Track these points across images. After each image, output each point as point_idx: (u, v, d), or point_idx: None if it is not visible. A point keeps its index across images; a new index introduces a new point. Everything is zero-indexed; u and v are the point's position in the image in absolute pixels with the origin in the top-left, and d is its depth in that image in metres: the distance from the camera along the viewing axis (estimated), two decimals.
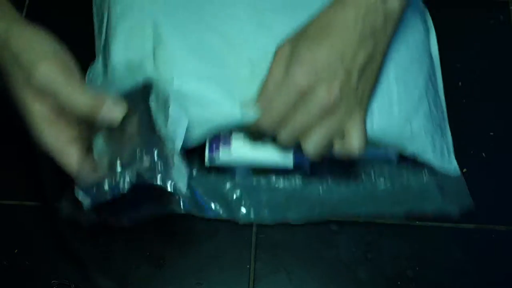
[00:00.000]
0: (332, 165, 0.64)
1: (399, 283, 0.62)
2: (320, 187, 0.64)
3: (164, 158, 0.50)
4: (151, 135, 0.51)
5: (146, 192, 0.60)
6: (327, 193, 0.64)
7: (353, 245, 0.63)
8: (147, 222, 0.62)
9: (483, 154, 0.68)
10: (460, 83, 0.72)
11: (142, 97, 0.54)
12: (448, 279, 0.62)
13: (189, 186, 0.57)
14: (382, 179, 0.64)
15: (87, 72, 0.64)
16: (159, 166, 0.50)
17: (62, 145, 0.51)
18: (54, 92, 0.49)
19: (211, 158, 0.60)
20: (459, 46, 0.74)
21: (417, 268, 0.63)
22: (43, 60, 0.50)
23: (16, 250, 0.63)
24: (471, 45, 0.75)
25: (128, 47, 0.59)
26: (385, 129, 0.58)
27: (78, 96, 0.50)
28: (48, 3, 0.75)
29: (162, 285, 0.62)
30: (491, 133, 0.70)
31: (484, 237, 0.62)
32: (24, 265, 0.62)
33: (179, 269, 0.62)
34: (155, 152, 0.50)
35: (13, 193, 0.65)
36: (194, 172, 0.64)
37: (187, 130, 0.55)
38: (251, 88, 0.56)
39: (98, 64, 0.63)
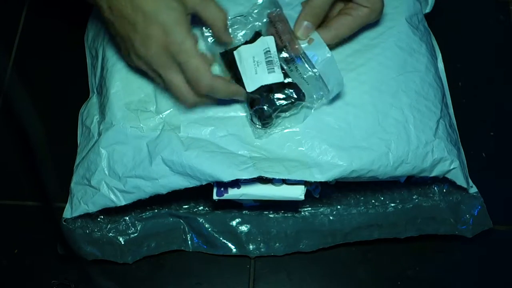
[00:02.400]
0: (341, 192, 0.64)
1: (399, 283, 0.62)
2: (331, 217, 0.64)
3: None
4: None
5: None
6: (339, 222, 0.63)
7: (353, 245, 0.63)
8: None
9: (483, 154, 0.68)
10: (460, 83, 0.72)
11: None
12: (448, 279, 0.62)
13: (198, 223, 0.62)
14: (393, 202, 0.64)
15: (81, 109, 0.64)
16: None
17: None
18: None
19: (219, 192, 0.58)
20: (459, 46, 0.74)
21: (417, 268, 0.63)
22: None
23: (16, 250, 0.63)
24: (471, 45, 0.75)
25: (126, 89, 0.59)
26: (403, 158, 0.57)
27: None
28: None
29: (162, 285, 0.62)
30: (491, 133, 0.70)
31: (484, 237, 0.62)
32: (24, 265, 0.62)
33: (179, 269, 0.62)
34: None
35: (13, 193, 0.65)
36: (202, 208, 0.64)
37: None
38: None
39: (92, 101, 0.63)
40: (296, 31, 0.56)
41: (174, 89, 0.53)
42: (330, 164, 0.55)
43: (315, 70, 0.56)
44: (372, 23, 0.59)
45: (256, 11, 0.58)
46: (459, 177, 0.59)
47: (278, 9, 0.57)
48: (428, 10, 0.69)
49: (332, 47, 0.58)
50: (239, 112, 0.58)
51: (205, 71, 0.52)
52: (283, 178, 0.55)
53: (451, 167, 0.59)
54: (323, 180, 0.55)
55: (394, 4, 0.63)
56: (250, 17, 0.58)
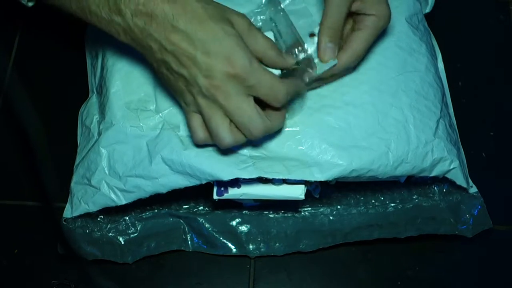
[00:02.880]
0: (340, 192, 0.64)
1: (399, 283, 0.62)
2: (331, 217, 0.64)
3: None
4: None
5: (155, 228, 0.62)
6: (339, 222, 0.63)
7: (353, 245, 0.63)
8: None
9: (483, 154, 0.68)
10: (460, 83, 0.72)
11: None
12: (448, 279, 0.62)
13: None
14: (393, 202, 0.64)
15: (81, 109, 0.64)
16: None
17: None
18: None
19: (219, 191, 0.58)
20: (459, 46, 0.74)
21: (417, 268, 0.63)
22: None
23: (16, 250, 0.63)
24: (471, 45, 0.75)
25: (126, 89, 0.59)
26: (403, 158, 0.57)
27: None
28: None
29: (162, 285, 0.62)
30: (491, 133, 0.70)
31: (484, 237, 0.62)
32: (24, 265, 0.62)
33: (179, 269, 0.62)
34: None
35: (13, 193, 0.65)
36: (202, 208, 0.64)
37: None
38: None
39: (92, 101, 0.63)
40: (322, 57, 0.55)
41: (246, 117, 0.50)
42: (330, 164, 0.56)
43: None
44: None
45: (257, 10, 0.58)
46: (459, 177, 0.59)
47: (278, 7, 0.57)
48: (428, 10, 0.69)
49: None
50: None
51: (279, 83, 0.50)
52: (283, 178, 0.55)
53: (451, 167, 0.59)
54: (323, 179, 0.55)
55: (394, 4, 0.63)
56: (253, 16, 0.57)
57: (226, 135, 0.50)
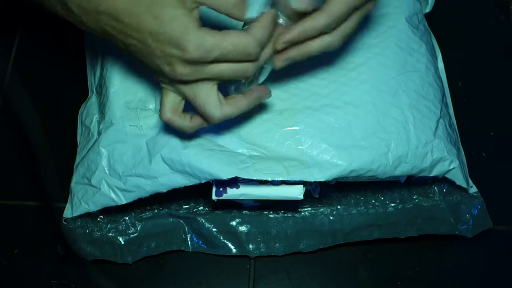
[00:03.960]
0: (340, 192, 0.64)
1: (399, 283, 0.62)
2: (331, 217, 0.64)
3: None
4: None
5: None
6: (339, 222, 0.63)
7: (353, 245, 0.63)
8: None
9: (483, 154, 0.68)
10: (460, 83, 0.72)
11: None
12: (448, 279, 0.62)
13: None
14: (393, 202, 0.64)
15: (81, 109, 0.64)
16: None
17: None
18: None
19: (218, 192, 0.58)
20: (459, 46, 0.74)
21: (417, 268, 0.63)
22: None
23: (16, 250, 0.63)
24: (471, 45, 0.75)
25: (126, 88, 0.59)
26: (403, 158, 0.57)
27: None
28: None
29: (162, 285, 0.62)
30: (491, 133, 0.70)
31: (484, 237, 0.62)
32: (24, 265, 0.62)
33: (179, 269, 0.62)
34: None
35: (13, 193, 0.65)
36: (202, 208, 0.64)
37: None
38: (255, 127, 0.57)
39: (92, 101, 0.63)
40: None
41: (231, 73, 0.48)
42: (330, 164, 0.56)
43: None
44: (372, 23, 0.59)
45: None
46: (458, 177, 0.59)
47: None
48: (428, 10, 0.69)
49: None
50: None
51: (244, 36, 0.46)
52: (283, 179, 0.55)
53: (451, 167, 0.59)
54: (322, 179, 0.55)
55: (394, 4, 0.63)
56: None
57: (215, 109, 0.49)
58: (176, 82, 0.48)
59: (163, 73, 0.48)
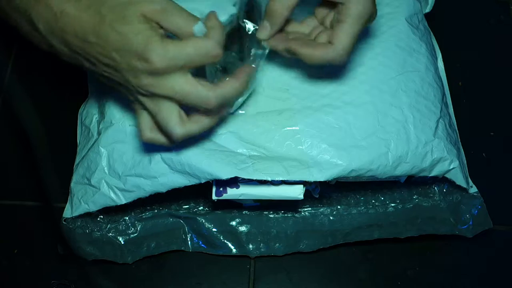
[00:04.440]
0: (340, 192, 0.64)
1: (399, 283, 0.62)
2: (331, 217, 0.64)
3: None
4: None
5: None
6: (339, 222, 0.63)
7: (353, 245, 0.63)
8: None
9: (483, 154, 0.68)
10: (460, 83, 0.72)
11: None
12: (448, 279, 0.62)
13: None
14: (393, 202, 0.64)
15: (81, 109, 0.64)
16: None
17: None
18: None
19: (218, 192, 0.58)
20: (459, 46, 0.74)
21: (417, 268, 0.63)
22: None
23: (16, 250, 0.63)
24: (471, 45, 0.75)
25: None
26: (403, 158, 0.57)
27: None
28: None
29: (162, 285, 0.62)
30: (491, 133, 0.70)
31: (484, 237, 0.62)
32: (24, 265, 0.62)
33: (179, 269, 0.62)
34: None
35: (13, 193, 0.65)
36: (202, 208, 0.64)
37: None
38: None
39: (92, 101, 0.63)
40: (258, 35, 0.53)
41: (192, 96, 0.48)
42: (329, 164, 0.56)
43: None
44: (372, 23, 0.59)
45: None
46: (458, 177, 0.60)
47: None
48: (428, 9, 0.69)
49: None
50: (238, 109, 0.58)
51: (204, 40, 0.47)
52: (283, 179, 0.55)
53: (451, 167, 0.59)
54: (322, 179, 0.55)
55: (394, 4, 0.63)
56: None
57: (175, 127, 0.49)
58: (142, 95, 0.48)
59: (131, 88, 0.48)
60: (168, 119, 0.48)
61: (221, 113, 0.51)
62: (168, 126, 0.49)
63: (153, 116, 0.49)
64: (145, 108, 0.50)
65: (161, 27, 0.48)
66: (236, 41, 0.54)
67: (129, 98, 0.50)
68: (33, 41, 0.51)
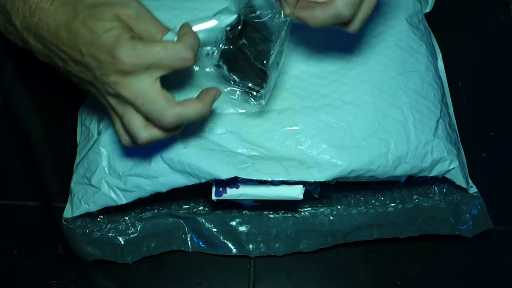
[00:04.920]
0: (340, 192, 0.64)
1: (399, 283, 0.62)
2: (331, 217, 0.64)
3: None
4: None
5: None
6: (339, 222, 0.63)
7: (353, 245, 0.63)
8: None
9: (483, 154, 0.68)
10: (460, 83, 0.72)
11: None
12: (448, 279, 0.62)
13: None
14: (393, 202, 0.64)
15: (81, 109, 0.64)
16: None
17: None
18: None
19: (218, 192, 0.58)
20: (459, 46, 0.74)
21: (417, 268, 0.63)
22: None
23: (16, 250, 0.63)
24: (471, 45, 0.75)
25: None
26: (403, 158, 0.57)
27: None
28: None
29: (162, 285, 0.62)
30: (491, 133, 0.70)
31: (484, 237, 0.62)
32: (24, 265, 0.62)
33: (179, 269, 0.62)
34: None
35: (13, 193, 0.65)
36: (202, 208, 0.64)
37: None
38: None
39: (92, 101, 0.63)
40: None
41: (154, 104, 0.48)
42: (329, 164, 0.56)
43: None
44: (372, 23, 0.59)
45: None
46: (458, 177, 0.60)
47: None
48: (428, 9, 0.69)
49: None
50: (238, 109, 0.58)
51: (173, 44, 0.47)
52: (282, 179, 0.55)
53: (451, 167, 0.59)
54: (322, 180, 0.55)
55: (394, 4, 0.63)
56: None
57: (140, 131, 0.48)
58: (110, 96, 0.48)
59: (100, 87, 0.48)
60: (133, 122, 0.48)
61: (174, 132, 0.50)
62: (133, 129, 0.48)
63: (119, 118, 0.49)
64: (115, 112, 0.49)
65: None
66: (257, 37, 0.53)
67: (101, 102, 0.50)
68: (9, 37, 0.51)
